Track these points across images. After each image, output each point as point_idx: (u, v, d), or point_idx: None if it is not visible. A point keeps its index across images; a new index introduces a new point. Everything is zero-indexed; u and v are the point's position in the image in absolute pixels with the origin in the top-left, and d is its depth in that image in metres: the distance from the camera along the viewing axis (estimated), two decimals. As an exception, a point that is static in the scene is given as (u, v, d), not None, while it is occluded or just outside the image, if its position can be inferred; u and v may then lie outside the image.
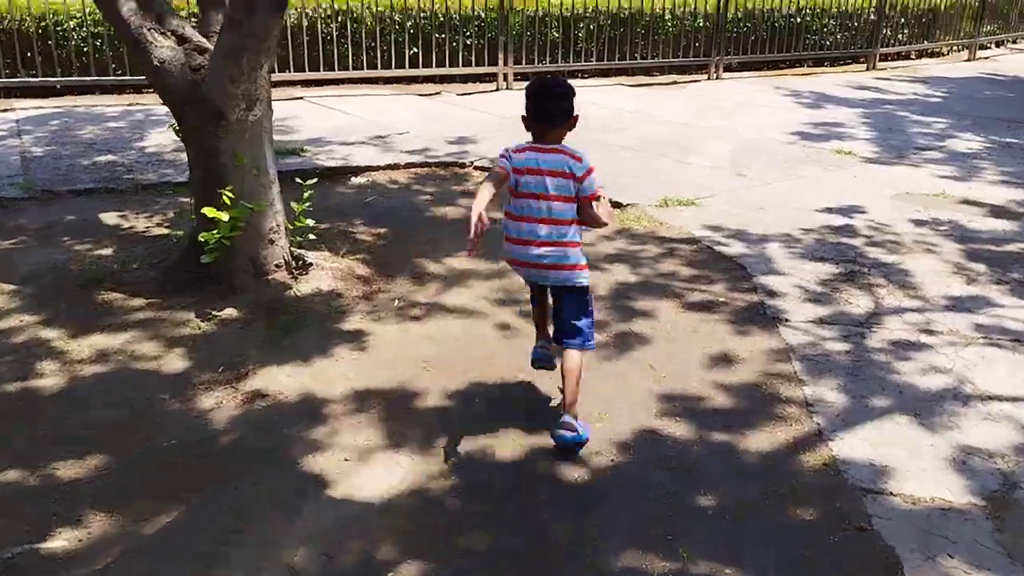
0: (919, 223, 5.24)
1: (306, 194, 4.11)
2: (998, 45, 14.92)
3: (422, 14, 9.34)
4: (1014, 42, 15.27)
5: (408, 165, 6.28)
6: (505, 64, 9.49)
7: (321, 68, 8.83)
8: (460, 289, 4.13)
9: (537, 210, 2.85)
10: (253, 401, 3.08)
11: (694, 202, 5.54)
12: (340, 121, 7.56)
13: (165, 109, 4.16)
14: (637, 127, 7.73)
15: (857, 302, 4.03)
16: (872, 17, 12.02)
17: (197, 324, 3.64)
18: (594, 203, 2.91)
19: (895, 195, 5.82)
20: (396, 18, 9.25)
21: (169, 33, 3.73)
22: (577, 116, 2.93)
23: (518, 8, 9.60)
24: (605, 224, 3.04)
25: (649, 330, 3.73)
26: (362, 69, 9.05)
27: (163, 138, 6.63)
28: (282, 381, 3.21)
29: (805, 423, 3.01)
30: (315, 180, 4.80)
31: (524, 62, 9.72)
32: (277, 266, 4.03)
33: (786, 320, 3.84)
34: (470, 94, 9.18)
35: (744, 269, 4.44)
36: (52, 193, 5.37)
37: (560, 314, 2.97)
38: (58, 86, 8.14)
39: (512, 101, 8.91)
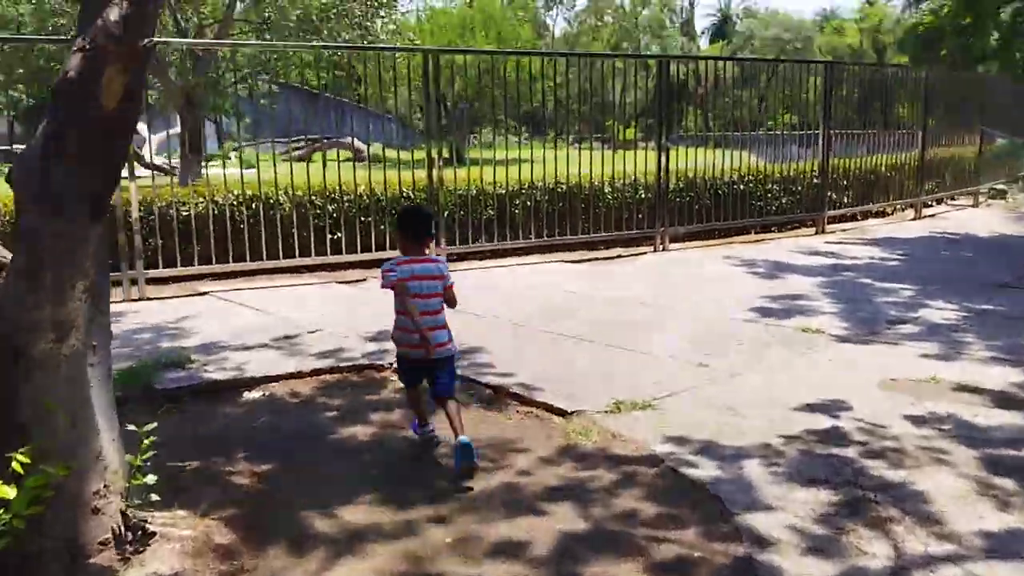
0: (917, 421, 4.40)
1: (145, 442, 3.12)
2: (938, 202, 14.92)
3: (346, 197, 8.73)
4: (952, 199, 15.31)
5: (315, 372, 5.35)
6: (437, 244, 8.82)
7: (230, 259, 8.04)
8: (354, 561, 3.09)
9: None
10: None
11: (652, 404, 4.66)
12: (244, 320, 6.67)
13: None
14: (584, 310, 6.97)
15: (872, 549, 3.09)
16: (816, 181, 11.81)
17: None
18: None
19: (881, 383, 5.02)
20: (317, 202, 8.61)
21: (-45, 245, 2.86)
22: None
23: (449, 188, 9.07)
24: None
25: (605, 619, 2.72)
26: (278, 258, 8.27)
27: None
28: None
29: None
30: (168, 411, 3.84)
31: (458, 241, 9.09)
32: (103, 544, 2.98)
33: (787, 588, 2.87)
34: (399, 279, 8.43)
35: (721, 502, 3.50)
36: None
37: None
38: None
39: None
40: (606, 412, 4.56)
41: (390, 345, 5.90)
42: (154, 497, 3.17)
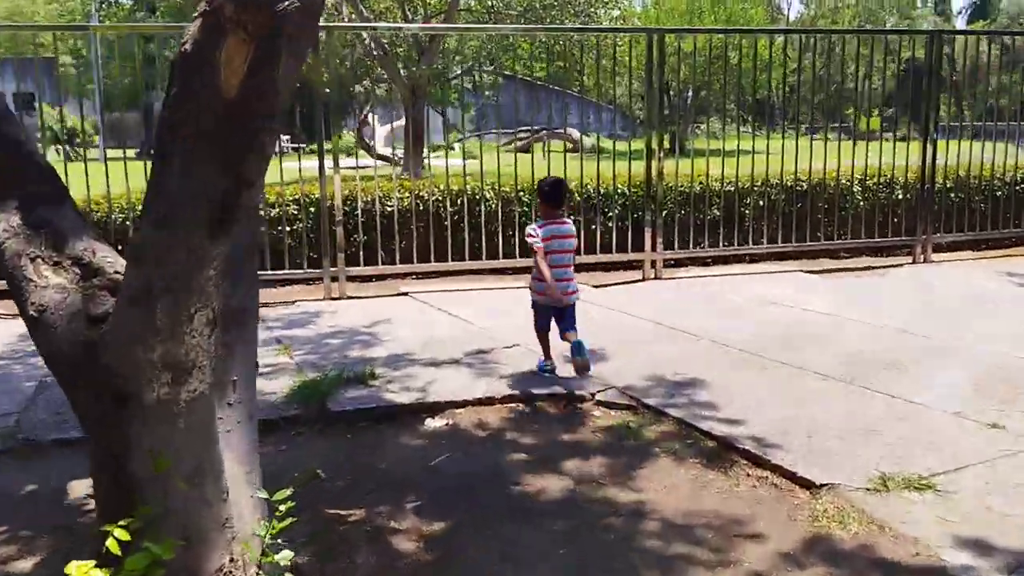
0: None
1: (280, 508, 2.51)
2: None
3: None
4: None
5: (507, 399, 4.65)
6: (653, 249, 7.90)
7: (432, 258, 7.59)
8: None
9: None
10: None
11: (931, 483, 3.51)
12: (438, 328, 6.13)
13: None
14: (831, 337, 5.76)
15: None
16: None
17: None
18: None
19: None
20: (525, 199, 7.97)
21: (68, 263, 2.37)
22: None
23: (669, 184, 8.09)
24: None
25: None
26: (480, 259, 7.71)
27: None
28: None
29: None
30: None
31: (677, 246, 8.10)
32: (223, 634, 2.42)
33: None
34: (608, 286, 7.60)
35: (1061, 667, 2.37)
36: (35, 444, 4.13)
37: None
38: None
39: (661, 296, 7.26)
40: (868, 489, 3.47)
41: (597, 367, 5.14)
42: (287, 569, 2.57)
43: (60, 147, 30.17)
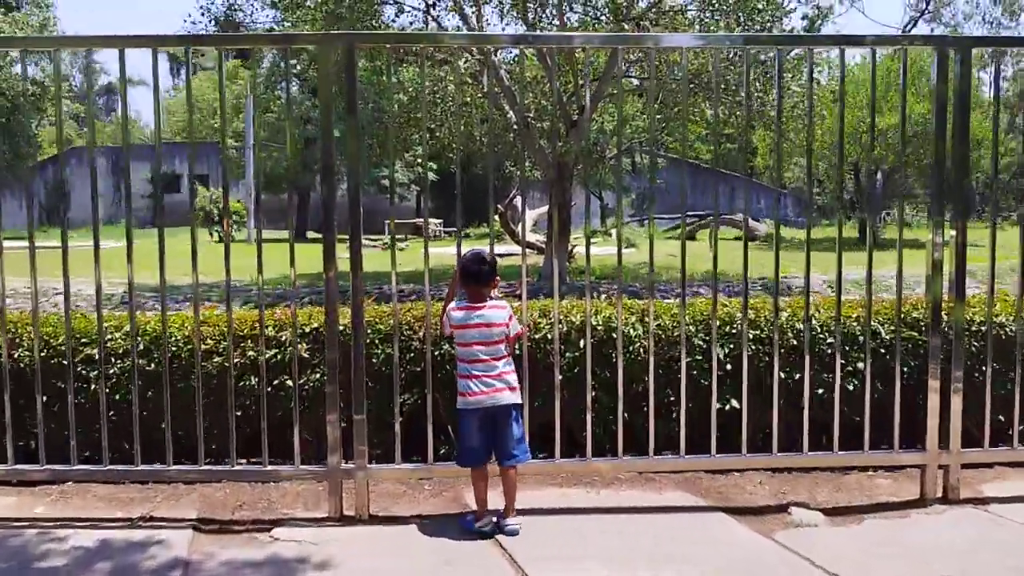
0: None
1: None
2: None
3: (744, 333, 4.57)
4: None
5: None
6: (943, 445, 4.21)
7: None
8: None
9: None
10: None
11: None
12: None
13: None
14: None
15: None
16: None
17: None
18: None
19: None
20: (699, 339, 4.56)
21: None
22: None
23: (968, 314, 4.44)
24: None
25: None
26: (613, 456, 4.28)
27: None
28: None
29: None
30: None
31: (987, 438, 4.36)
32: None
33: None
34: (847, 515, 4.00)
35: None
36: None
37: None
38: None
39: (967, 559, 3.61)
40: None
41: None
42: None
43: (214, 229, 29.89)
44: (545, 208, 24.11)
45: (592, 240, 15.95)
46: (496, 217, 23.77)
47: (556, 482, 4.41)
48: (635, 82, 17.83)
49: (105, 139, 49.67)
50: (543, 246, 21.17)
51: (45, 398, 4.20)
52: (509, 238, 20.56)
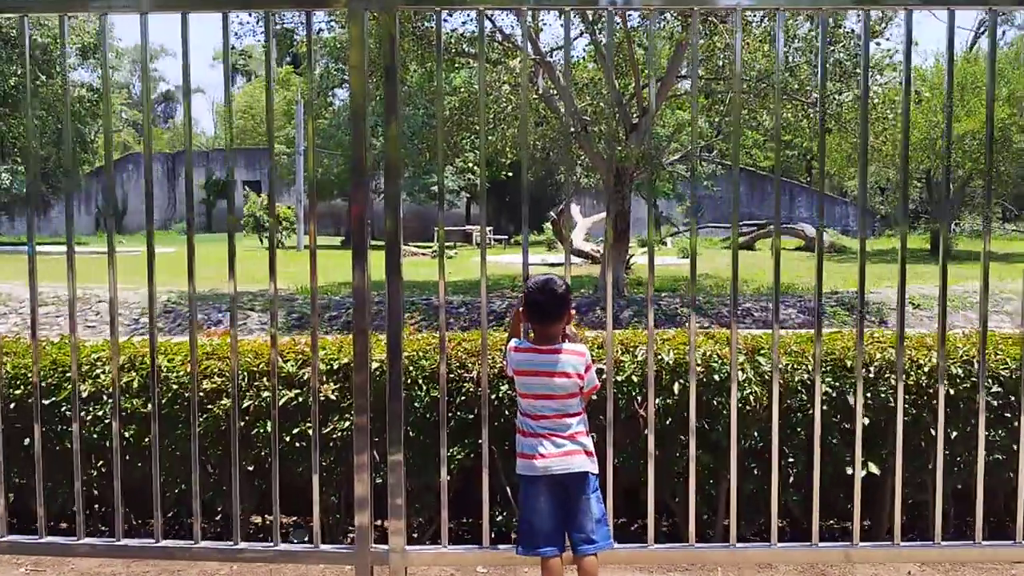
0: None
1: None
2: None
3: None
4: None
5: None
6: None
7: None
8: None
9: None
10: None
11: None
12: None
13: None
14: None
15: None
16: None
17: None
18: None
19: None
20: (831, 386, 3.57)
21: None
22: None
23: None
24: None
25: None
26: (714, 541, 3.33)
27: None
28: None
29: None
30: None
31: None
32: None
33: None
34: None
35: None
36: None
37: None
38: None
39: None
40: None
41: None
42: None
43: (263, 235, 29.54)
44: (597, 216, 23.11)
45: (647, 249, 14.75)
46: (549, 224, 22.95)
47: (648, 568, 3.46)
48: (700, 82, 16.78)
49: (162, 145, 49.92)
50: (597, 255, 20.22)
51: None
52: (561, 246, 19.64)
